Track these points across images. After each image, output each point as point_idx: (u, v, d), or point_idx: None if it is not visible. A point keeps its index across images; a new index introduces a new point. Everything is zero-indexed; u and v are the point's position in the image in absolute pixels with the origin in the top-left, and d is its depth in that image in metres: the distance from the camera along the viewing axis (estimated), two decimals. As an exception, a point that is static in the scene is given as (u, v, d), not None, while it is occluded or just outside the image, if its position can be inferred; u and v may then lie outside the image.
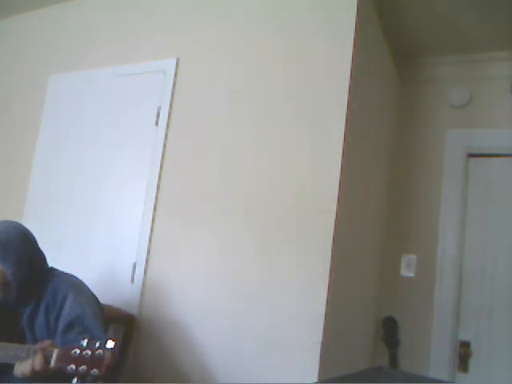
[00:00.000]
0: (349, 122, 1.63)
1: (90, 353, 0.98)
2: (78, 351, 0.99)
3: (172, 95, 2.01)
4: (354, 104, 1.67)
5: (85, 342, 1.01)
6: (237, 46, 1.91)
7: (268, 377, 1.53)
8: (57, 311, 1.35)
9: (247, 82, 1.85)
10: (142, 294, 1.86)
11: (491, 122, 2.27)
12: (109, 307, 1.66)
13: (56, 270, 1.51)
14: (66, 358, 1.00)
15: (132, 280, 1.90)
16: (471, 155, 2.32)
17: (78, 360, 0.98)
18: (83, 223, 2.10)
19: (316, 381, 1.44)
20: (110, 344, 1.00)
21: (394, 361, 2.16)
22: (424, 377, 1.65)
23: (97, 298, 1.48)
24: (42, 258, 1.48)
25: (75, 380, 0.96)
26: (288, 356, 1.52)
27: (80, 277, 1.52)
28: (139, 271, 1.89)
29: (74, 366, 0.97)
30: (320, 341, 1.48)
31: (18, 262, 1.35)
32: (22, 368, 1.05)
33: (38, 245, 1.48)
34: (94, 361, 0.97)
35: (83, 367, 0.97)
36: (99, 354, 0.98)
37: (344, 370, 1.35)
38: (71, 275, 1.50)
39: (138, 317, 1.83)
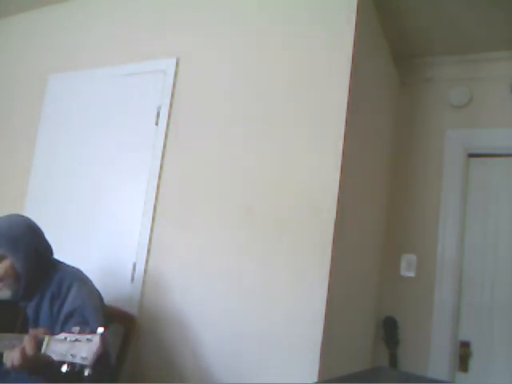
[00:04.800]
0: (349, 122, 1.62)
1: (79, 338, 0.97)
2: (68, 337, 0.99)
3: (172, 95, 2.01)
4: (353, 104, 1.67)
5: (76, 329, 1.00)
6: (237, 46, 1.91)
7: (268, 377, 1.53)
8: (60, 301, 1.37)
9: (247, 82, 1.85)
10: (142, 293, 1.87)
11: (491, 122, 2.27)
12: (109, 307, 1.66)
13: (62, 262, 1.53)
14: (56, 344, 0.99)
15: (132, 279, 1.90)
16: (471, 155, 2.32)
17: (69, 346, 0.97)
18: (83, 223, 2.11)
19: (316, 381, 1.44)
20: (100, 330, 0.99)
21: (394, 361, 2.16)
22: (424, 377, 1.65)
23: (99, 293, 1.49)
24: (49, 251, 1.50)
25: (65, 366, 0.95)
26: (288, 356, 1.52)
27: (80, 276, 1.52)
28: (139, 271, 1.89)
29: (63, 352, 0.97)
30: (320, 341, 1.48)
31: (27, 256, 1.37)
32: (11, 355, 1.04)
33: (45, 238, 1.50)
34: (84, 346, 0.96)
35: (74, 352, 0.96)
36: (89, 339, 0.96)
37: (344, 370, 1.35)
38: (77, 269, 1.52)
39: (137, 316, 1.83)
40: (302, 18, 1.78)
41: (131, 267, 1.91)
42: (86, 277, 1.50)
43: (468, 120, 2.33)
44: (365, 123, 1.90)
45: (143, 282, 1.88)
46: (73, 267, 1.52)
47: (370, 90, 1.97)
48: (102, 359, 0.96)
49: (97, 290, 1.49)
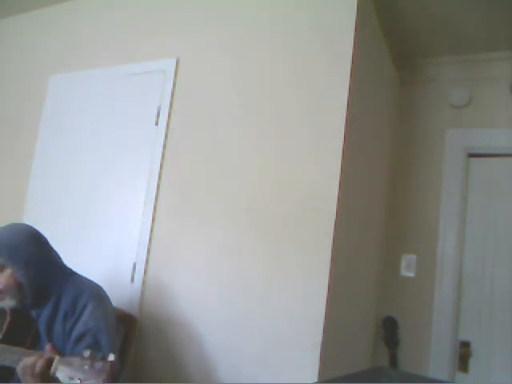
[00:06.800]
0: (349, 122, 1.63)
1: (89, 363, 0.98)
2: (78, 361, 1.00)
3: (172, 95, 2.01)
4: (353, 104, 1.67)
5: (87, 353, 1.01)
6: (237, 45, 1.91)
7: (268, 377, 1.54)
8: (74, 319, 1.34)
9: (247, 82, 1.85)
10: (142, 293, 1.87)
11: (491, 122, 2.27)
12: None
13: (79, 275, 1.50)
14: (65, 365, 1.00)
15: (132, 280, 1.90)
16: (471, 155, 2.33)
17: (78, 370, 0.98)
18: (83, 223, 2.10)
19: (316, 381, 1.44)
20: (111, 357, 1.00)
21: (394, 361, 2.16)
22: (424, 377, 1.65)
23: (113, 311, 1.46)
24: (54, 257, 1.47)
25: None
26: (288, 356, 1.52)
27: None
28: (139, 271, 1.89)
29: (72, 375, 0.97)
30: (320, 341, 1.48)
31: (27, 264, 1.34)
32: (22, 370, 1.06)
33: (49, 245, 1.47)
34: (92, 372, 0.97)
35: (81, 377, 0.97)
36: (99, 365, 0.98)
37: (344, 370, 1.35)
38: (94, 283, 1.49)
39: (138, 317, 1.83)
40: (302, 18, 1.78)
41: (131, 267, 1.91)
42: (104, 293, 1.47)
43: (468, 120, 2.33)
44: (365, 123, 1.90)
45: (143, 282, 1.88)
46: (91, 282, 1.48)
47: (370, 90, 1.97)
48: None
49: (111, 306, 1.46)
